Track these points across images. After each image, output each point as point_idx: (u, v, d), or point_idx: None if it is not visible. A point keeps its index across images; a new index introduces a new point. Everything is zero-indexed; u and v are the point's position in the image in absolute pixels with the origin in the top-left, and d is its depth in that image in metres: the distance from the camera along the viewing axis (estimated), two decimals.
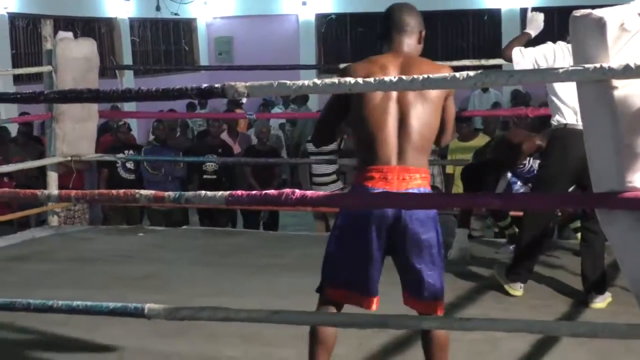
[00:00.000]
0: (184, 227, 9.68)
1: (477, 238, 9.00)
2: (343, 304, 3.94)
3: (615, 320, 4.41)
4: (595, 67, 2.87)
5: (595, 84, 2.99)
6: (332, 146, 10.06)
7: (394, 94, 3.81)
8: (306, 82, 3.13)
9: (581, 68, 2.89)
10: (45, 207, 8.71)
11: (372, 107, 3.82)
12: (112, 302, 3.60)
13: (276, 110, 15.71)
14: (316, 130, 4.19)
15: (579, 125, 5.52)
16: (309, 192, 3.23)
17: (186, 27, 19.69)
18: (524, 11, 18.95)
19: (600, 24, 2.95)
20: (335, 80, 3.10)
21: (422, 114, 3.84)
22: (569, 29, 3.08)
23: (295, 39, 18.99)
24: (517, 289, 5.87)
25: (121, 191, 3.36)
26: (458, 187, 9.33)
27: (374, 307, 3.90)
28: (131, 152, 10.56)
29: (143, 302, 3.89)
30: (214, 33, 19.89)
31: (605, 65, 2.87)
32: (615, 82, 2.94)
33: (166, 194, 3.36)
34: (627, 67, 2.80)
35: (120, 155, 9.94)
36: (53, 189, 8.47)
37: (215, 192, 3.31)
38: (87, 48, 8.44)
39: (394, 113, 3.83)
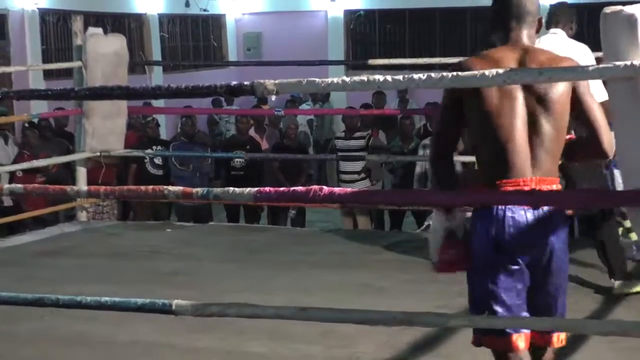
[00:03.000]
0: (211, 223, 9.71)
1: None
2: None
3: None
4: (625, 65, 2.84)
5: (626, 81, 2.98)
6: (361, 143, 10.07)
7: (519, 92, 3.29)
8: (335, 80, 3.12)
9: (612, 65, 2.87)
10: (74, 202, 8.75)
11: (499, 113, 3.30)
12: (140, 298, 3.61)
13: (304, 106, 15.71)
14: (433, 144, 3.54)
15: None
16: (336, 189, 3.22)
17: (215, 23, 19.69)
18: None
19: (631, 21, 2.94)
20: (364, 77, 3.09)
21: (554, 117, 3.31)
22: (600, 26, 3.06)
23: (323, 35, 18.96)
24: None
25: (150, 187, 3.37)
26: None
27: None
28: (159, 147, 10.60)
29: (171, 297, 3.90)
30: (243, 29, 19.88)
31: (636, 62, 2.84)
32: None
33: (194, 190, 3.37)
34: None
35: (149, 151, 9.96)
36: (81, 184, 8.51)
37: (244, 189, 3.31)
38: (117, 44, 8.46)
39: (524, 119, 3.31)
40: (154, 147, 10.49)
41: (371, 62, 8.65)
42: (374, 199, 3.35)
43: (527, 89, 3.27)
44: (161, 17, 17.88)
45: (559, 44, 5.62)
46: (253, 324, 4.97)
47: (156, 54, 17.39)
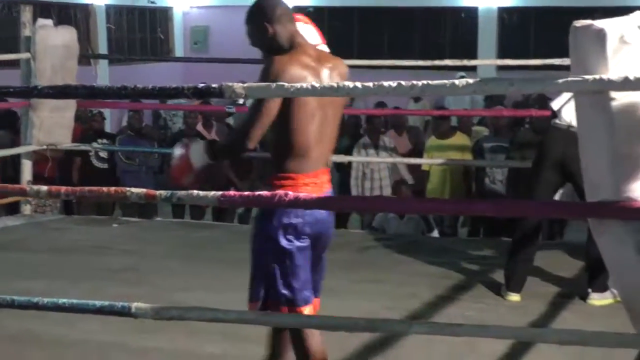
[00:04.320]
0: (157, 218, 9.62)
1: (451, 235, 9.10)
2: None
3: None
4: (594, 79, 2.87)
5: (594, 95, 3.00)
6: None
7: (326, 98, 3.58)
8: (305, 85, 3.11)
9: (580, 79, 2.89)
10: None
11: (307, 114, 3.60)
12: (96, 300, 3.56)
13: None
14: (250, 134, 3.58)
15: (561, 123, 5.67)
16: (301, 195, 3.22)
17: (162, 16, 19.57)
18: (501, 10, 19.19)
19: (601, 36, 2.97)
20: (334, 84, 3.08)
21: (339, 114, 3.81)
22: (569, 39, 3.08)
23: None
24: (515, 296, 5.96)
25: (112, 189, 3.33)
26: (432, 184, 9.34)
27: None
28: (104, 141, 10.47)
29: (122, 295, 3.89)
30: (190, 22, 19.79)
31: (604, 76, 2.87)
32: (614, 94, 2.95)
33: (158, 192, 3.34)
34: (626, 79, 2.80)
35: (96, 144, 9.83)
36: (27, 177, 8.42)
37: (208, 192, 3.29)
38: (67, 36, 8.36)
39: (321, 119, 3.67)
40: (100, 141, 10.37)
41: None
42: (341, 205, 3.34)
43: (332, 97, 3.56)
44: (108, 8, 17.72)
45: None
46: (205, 325, 4.94)
47: (102, 45, 17.24)
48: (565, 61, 7.33)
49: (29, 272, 6.40)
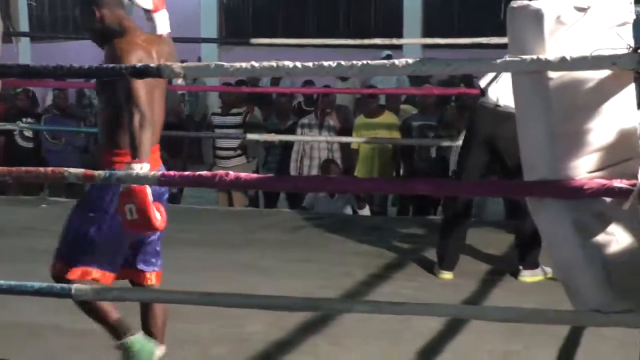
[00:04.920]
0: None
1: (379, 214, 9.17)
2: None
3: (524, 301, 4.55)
4: (532, 59, 2.91)
5: (531, 75, 3.04)
6: (238, 120, 10.03)
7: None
8: (244, 65, 3.09)
9: (518, 59, 2.93)
10: None
11: (152, 93, 3.81)
12: (24, 280, 3.52)
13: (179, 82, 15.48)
14: (145, 112, 3.71)
15: (488, 102, 5.74)
16: (242, 174, 3.21)
17: None
18: None
19: (538, 16, 3.00)
20: (274, 63, 3.08)
21: (164, 98, 4.03)
22: (507, 20, 3.12)
23: (196, 9, 18.76)
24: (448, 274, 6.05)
25: (49, 169, 3.29)
26: (361, 163, 9.38)
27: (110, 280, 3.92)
28: (29, 120, 10.33)
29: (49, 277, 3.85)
30: None
31: (542, 57, 2.91)
32: (551, 74, 2.99)
33: (97, 173, 3.31)
34: (563, 59, 2.85)
35: (23, 124, 9.69)
36: None
37: (148, 172, 3.27)
38: None
39: (155, 99, 3.89)
40: (24, 120, 10.23)
41: (253, 41, 8.57)
42: (281, 185, 3.34)
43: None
44: None
45: None
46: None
47: (24, 23, 16.95)
48: (493, 40, 7.50)
49: None
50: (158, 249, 4.14)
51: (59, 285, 3.39)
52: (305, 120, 9.83)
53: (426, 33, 17.64)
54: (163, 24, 4.17)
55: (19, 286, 3.43)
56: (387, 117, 9.46)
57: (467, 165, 5.88)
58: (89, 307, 3.79)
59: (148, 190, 3.49)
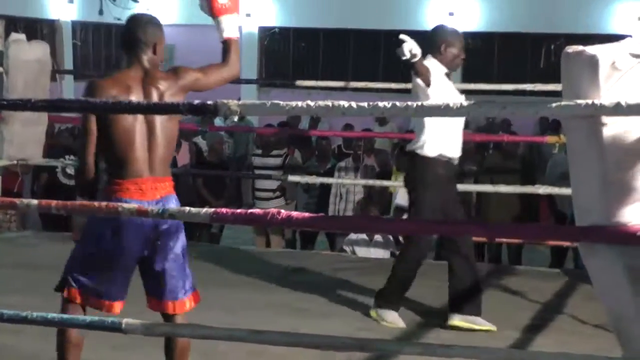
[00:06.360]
0: None
1: None
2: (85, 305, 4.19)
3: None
4: (586, 104, 2.92)
5: (585, 120, 3.05)
6: (278, 161, 10.08)
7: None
8: (299, 103, 3.12)
9: (573, 103, 2.94)
10: None
11: (123, 127, 4.02)
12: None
13: (217, 122, 15.58)
14: (81, 158, 4.17)
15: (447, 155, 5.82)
16: (294, 213, 3.23)
17: None
18: (465, 35, 19.10)
19: (593, 62, 3.01)
20: (329, 103, 3.11)
21: (168, 128, 4.15)
22: (561, 65, 3.13)
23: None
24: (389, 317, 5.96)
25: (103, 203, 3.33)
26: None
27: (117, 310, 4.19)
28: (72, 157, 10.40)
29: (96, 311, 3.89)
30: None
31: (596, 102, 2.92)
32: (605, 119, 3.00)
33: (149, 208, 3.35)
34: (618, 104, 2.86)
35: (67, 160, 9.77)
36: None
37: (200, 209, 3.30)
38: (40, 51, 8.32)
39: (143, 132, 4.07)
40: (67, 157, 10.31)
41: (298, 83, 8.59)
42: (334, 225, 3.36)
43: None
44: (74, 24, 17.68)
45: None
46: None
47: (68, 61, 17.18)
48: (537, 87, 7.51)
49: (3, 288, 6.34)
50: (175, 273, 4.26)
51: (109, 319, 3.42)
52: (342, 164, 9.88)
53: (465, 78, 17.68)
54: (229, 29, 4.45)
55: (71, 319, 3.46)
56: None
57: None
58: (60, 338, 4.11)
59: None
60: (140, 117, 4.03)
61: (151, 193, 4.06)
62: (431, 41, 6.02)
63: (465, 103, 3.04)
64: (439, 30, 6.11)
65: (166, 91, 4.18)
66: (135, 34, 4.26)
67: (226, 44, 4.46)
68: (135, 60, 4.26)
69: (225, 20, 4.41)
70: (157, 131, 4.10)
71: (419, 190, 5.83)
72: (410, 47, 5.55)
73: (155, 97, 4.09)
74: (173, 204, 4.09)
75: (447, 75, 6.00)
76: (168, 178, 4.20)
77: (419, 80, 5.79)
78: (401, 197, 8.81)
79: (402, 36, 5.59)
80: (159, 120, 4.09)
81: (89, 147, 4.08)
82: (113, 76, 4.23)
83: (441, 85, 5.83)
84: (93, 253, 4.13)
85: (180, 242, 4.22)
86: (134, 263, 4.20)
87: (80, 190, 4.15)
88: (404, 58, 5.60)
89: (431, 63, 5.89)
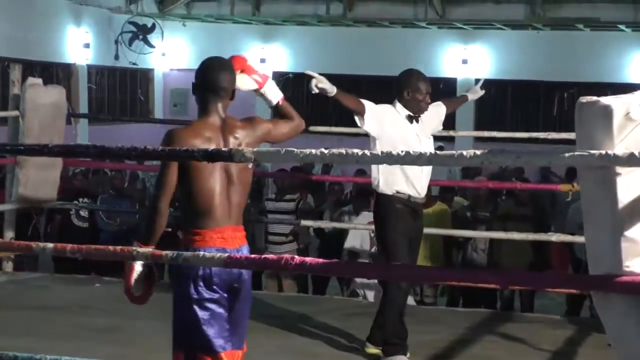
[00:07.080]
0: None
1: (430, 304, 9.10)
2: None
3: None
4: (600, 154, 2.93)
5: (599, 170, 3.06)
6: (291, 206, 10.09)
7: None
8: (313, 151, 3.15)
9: (587, 153, 2.96)
10: None
11: (205, 177, 3.98)
12: (79, 357, 3.56)
13: None
14: (155, 198, 4.10)
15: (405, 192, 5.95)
16: (308, 259, 3.25)
17: (143, 77, 19.69)
18: (477, 81, 19.21)
19: (607, 112, 3.02)
20: (343, 150, 3.13)
21: (245, 177, 4.14)
22: (575, 115, 3.14)
23: (251, 96, 19.00)
24: None
25: (118, 247, 3.35)
26: None
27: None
28: (85, 199, 10.46)
29: (109, 355, 3.91)
30: (171, 84, 19.88)
31: (610, 152, 2.94)
32: (619, 169, 3.01)
33: (164, 253, 3.36)
34: (631, 155, 2.87)
35: (81, 203, 9.83)
36: (10, 234, 8.39)
37: (214, 254, 3.31)
38: (56, 95, 8.41)
39: (224, 181, 4.04)
40: (81, 200, 10.36)
41: (312, 129, 8.60)
42: (347, 271, 3.37)
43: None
44: (90, 68, 17.80)
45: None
46: None
47: (83, 105, 17.28)
48: (551, 135, 7.53)
49: (14, 330, 6.36)
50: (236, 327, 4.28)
51: None
52: (345, 209, 9.86)
53: (478, 125, 17.74)
54: (274, 94, 4.49)
55: None
56: (440, 207, 9.47)
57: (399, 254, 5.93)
58: None
59: (136, 267, 3.86)
60: (219, 166, 3.98)
61: (232, 241, 4.04)
62: (397, 86, 6.12)
63: (479, 152, 3.06)
64: (404, 75, 6.22)
65: (244, 140, 4.12)
66: (217, 80, 4.15)
67: (279, 107, 4.50)
68: (213, 107, 4.17)
69: (268, 89, 4.47)
70: (235, 179, 4.08)
71: (382, 225, 6.00)
72: (316, 82, 5.75)
73: (234, 147, 3.99)
74: (246, 252, 4.09)
75: (413, 118, 6.07)
76: (242, 227, 4.19)
77: (356, 118, 5.97)
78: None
79: (307, 72, 5.80)
80: (236, 168, 4.04)
81: (166, 195, 4.01)
82: (191, 125, 4.15)
83: (395, 128, 5.99)
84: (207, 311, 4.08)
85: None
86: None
87: (145, 238, 3.97)
88: (314, 92, 5.78)
89: (396, 107, 6.07)
